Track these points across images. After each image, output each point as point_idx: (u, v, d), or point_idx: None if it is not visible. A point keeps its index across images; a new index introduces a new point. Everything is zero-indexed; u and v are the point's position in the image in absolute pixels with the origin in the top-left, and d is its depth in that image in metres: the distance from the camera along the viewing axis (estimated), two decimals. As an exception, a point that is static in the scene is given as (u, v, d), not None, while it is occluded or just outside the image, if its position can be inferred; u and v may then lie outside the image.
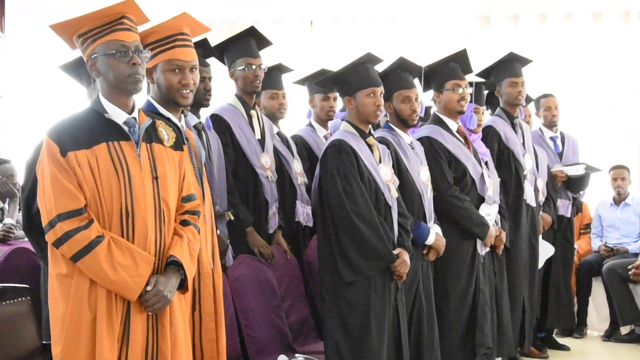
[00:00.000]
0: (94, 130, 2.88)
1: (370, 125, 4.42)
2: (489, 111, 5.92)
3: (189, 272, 2.96)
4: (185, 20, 3.37)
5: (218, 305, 3.23)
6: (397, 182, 4.42)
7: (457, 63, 4.99)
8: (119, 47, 2.88)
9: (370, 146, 4.36)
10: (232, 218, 4.55)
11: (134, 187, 2.86)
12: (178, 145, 3.06)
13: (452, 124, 5.00)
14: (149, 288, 2.85)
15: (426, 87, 4.95)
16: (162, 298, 2.86)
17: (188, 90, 3.38)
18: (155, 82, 3.34)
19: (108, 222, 2.85)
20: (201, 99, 4.42)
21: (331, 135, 5.00)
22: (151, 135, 2.99)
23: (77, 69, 3.81)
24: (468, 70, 5.10)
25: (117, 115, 2.93)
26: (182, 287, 2.98)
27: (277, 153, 5.00)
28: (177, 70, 3.35)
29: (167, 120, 3.15)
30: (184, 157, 3.08)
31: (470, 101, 5.08)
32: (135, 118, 2.96)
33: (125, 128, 2.92)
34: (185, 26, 3.38)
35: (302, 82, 5.59)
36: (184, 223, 3.03)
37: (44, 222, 2.85)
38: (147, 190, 2.89)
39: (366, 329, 4.18)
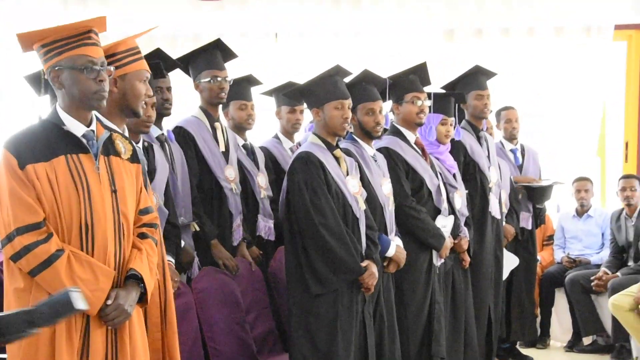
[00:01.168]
0: (52, 143, 2.84)
1: (337, 138, 4.42)
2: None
3: (148, 285, 2.94)
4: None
5: (168, 316, 3.19)
6: (364, 194, 4.42)
7: (417, 75, 5.02)
8: (87, 63, 2.86)
9: (337, 158, 4.36)
10: (197, 229, 4.52)
11: (93, 201, 2.83)
12: (135, 157, 3.04)
13: (411, 136, 5.01)
14: (109, 302, 2.82)
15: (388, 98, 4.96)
16: (122, 312, 2.84)
17: (145, 101, 3.36)
18: (117, 92, 3.28)
19: (67, 236, 2.81)
20: (160, 109, 4.39)
21: (298, 147, 4.98)
22: (109, 148, 2.96)
23: (40, 79, 3.72)
24: (427, 82, 5.12)
25: (76, 127, 2.89)
26: (142, 300, 2.95)
27: (240, 166, 4.98)
28: (144, 81, 3.32)
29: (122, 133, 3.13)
30: (140, 170, 3.06)
31: (435, 112, 5.11)
32: (93, 131, 2.92)
33: (84, 141, 2.89)
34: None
35: (269, 93, 5.59)
36: (142, 236, 3.01)
37: (1, 236, 2.81)
38: (106, 203, 2.86)
39: (333, 341, 4.18)
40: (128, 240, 2.93)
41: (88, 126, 2.92)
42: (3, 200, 2.79)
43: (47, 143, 2.83)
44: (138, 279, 2.90)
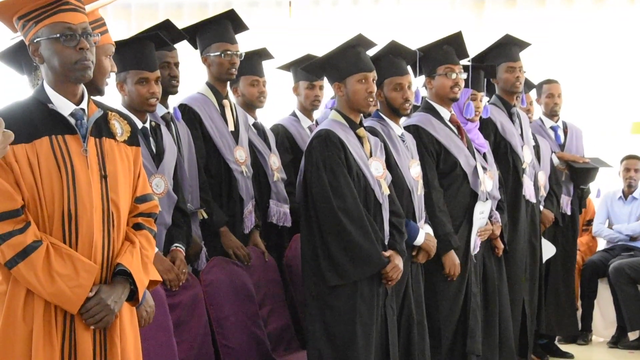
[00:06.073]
0: (35, 122, 2.75)
1: (361, 116, 4.37)
2: (487, 98, 5.86)
3: (139, 281, 2.84)
4: None
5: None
6: (389, 178, 4.37)
7: (452, 46, 4.95)
8: (64, 30, 2.75)
9: (360, 138, 4.31)
10: (206, 216, 4.51)
11: (78, 187, 2.74)
12: (134, 140, 2.96)
13: (445, 112, 4.95)
14: (90, 294, 2.74)
15: (418, 72, 4.90)
16: (104, 307, 2.75)
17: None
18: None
19: (49, 225, 2.73)
20: (167, 86, 4.37)
21: (317, 126, 4.94)
22: (101, 129, 2.87)
23: (16, 56, 3.69)
24: (464, 54, 5.07)
25: (63, 106, 2.80)
26: (133, 298, 2.88)
27: (252, 147, 4.94)
28: (110, 56, 3.34)
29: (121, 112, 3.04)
30: (140, 153, 2.98)
31: (466, 86, 5.03)
32: (83, 109, 2.83)
33: (72, 120, 2.80)
34: None
35: (287, 67, 5.56)
36: (137, 227, 2.94)
37: None
38: (93, 190, 2.77)
39: (352, 337, 4.16)
40: (118, 232, 2.84)
41: (78, 104, 2.83)
42: (-23, 186, 2.70)
43: (30, 122, 2.75)
44: (127, 275, 2.83)
